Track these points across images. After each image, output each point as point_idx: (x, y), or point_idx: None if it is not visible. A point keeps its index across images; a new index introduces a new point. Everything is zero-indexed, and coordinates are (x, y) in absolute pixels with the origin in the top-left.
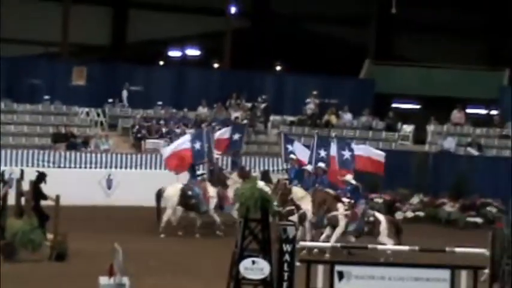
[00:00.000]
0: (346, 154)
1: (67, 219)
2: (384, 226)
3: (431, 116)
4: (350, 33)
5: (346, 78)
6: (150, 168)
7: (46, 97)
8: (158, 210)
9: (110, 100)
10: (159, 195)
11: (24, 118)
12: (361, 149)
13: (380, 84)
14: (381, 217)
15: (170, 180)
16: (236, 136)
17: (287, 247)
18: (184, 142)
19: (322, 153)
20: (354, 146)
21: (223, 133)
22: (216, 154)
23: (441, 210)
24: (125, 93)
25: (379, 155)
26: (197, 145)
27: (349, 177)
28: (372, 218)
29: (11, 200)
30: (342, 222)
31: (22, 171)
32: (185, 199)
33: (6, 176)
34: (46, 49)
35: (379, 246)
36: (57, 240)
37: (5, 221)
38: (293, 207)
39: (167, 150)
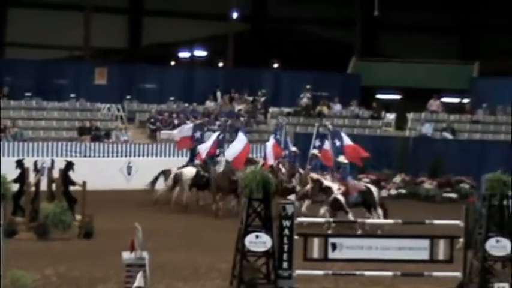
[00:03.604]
0: (337, 143)
1: (93, 202)
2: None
3: (410, 105)
4: (338, 33)
5: (335, 74)
6: (165, 156)
7: (72, 95)
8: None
9: (128, 97)
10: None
11: (52, 114)
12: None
13: (365, 78)
14: (373, 188)
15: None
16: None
17: (286, 223)
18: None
19: (318, 142)
20: (342, 135)
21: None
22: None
23: (421, 188)
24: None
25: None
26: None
27: (341, 159)
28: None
29: (43, 186)
30: (342, 199)
31: (52, 161)
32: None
33: (39, 165)
34: (70, 53)
35: (367, 220)
36: (85, 220)
37: (39, 204)
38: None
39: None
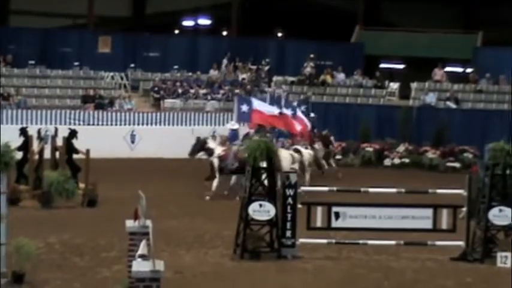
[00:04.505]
0: (244, 108)
1: (96, 170)
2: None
3: (414, 74)
4: (341, 2)
5: (339, 43)
6: (168, 124)
7: (76, 63)
8: None
9: (132, 65)
10: None
11: (56, 82)
12: (257, 104)
13: (369, 47)
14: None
15: (186, 134)
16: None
17: (290, 192)
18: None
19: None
20: (252, 100)
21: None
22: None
23: (424, 157)
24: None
25: (272, 110)
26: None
27: (230, 124)
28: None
29: (47, 154)
30: (215, 163)
31: (56, 129)
32: None
33: (42, 133)
34: (74, 21)
35: (371, 189)
36: (88, 188)
37: (42, 172)
38: None
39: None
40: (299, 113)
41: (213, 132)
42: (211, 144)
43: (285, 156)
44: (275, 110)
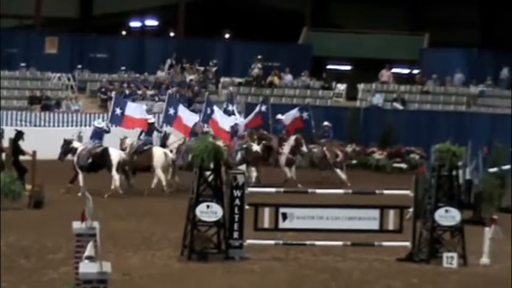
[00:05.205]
0: (118, 111)
1: (43, 172)
2: (158, 159)
3: (361, 75)
4: (289, 3)
5: (287, 44)
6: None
7: (22, 64)
8: None
9: (79, 66)
10: None
11: (2, 83)
12: (180, 110)
13: (316, 48)
14: (156, 150)
15: (134, 135)
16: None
17: (237, 192)
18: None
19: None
20: (128, 104)
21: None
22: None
23: (371, 158)
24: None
25: (190, 118)
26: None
27: (96, 122)
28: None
29: None
30: (74, 160)
31: (2, 130)
32: None
33: None
34: (21, 22)
35: (317, 191)
36: (35, 190)
37: None
38: None
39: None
40: (214, 115)
41: (79, 133)
42: (75, 144)
43: (116, 154)
44: (147, 115)
